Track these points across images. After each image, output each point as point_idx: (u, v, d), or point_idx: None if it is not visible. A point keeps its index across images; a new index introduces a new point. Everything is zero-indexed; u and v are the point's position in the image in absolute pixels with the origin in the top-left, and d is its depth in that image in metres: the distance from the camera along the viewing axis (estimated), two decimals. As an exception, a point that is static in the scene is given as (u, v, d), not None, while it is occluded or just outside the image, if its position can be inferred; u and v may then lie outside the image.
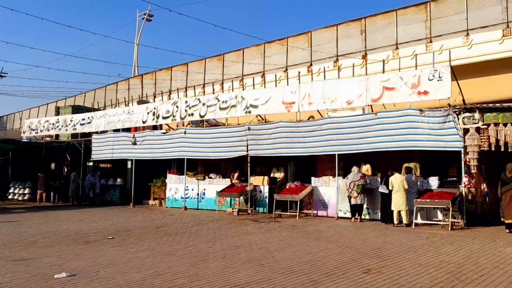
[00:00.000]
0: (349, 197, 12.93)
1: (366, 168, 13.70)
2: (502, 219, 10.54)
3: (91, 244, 9.24)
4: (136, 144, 19.04)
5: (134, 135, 19.31)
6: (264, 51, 19.92)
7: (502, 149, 10.73)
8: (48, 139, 24.29)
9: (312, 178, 14.72)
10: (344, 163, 14.27)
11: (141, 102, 21.41)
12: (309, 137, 14.13)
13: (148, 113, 19.16)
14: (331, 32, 17.85)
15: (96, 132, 20.98)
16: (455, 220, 11.14)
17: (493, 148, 10.87)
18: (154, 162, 18.93)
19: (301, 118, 14.98)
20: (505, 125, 10.73)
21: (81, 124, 21.63)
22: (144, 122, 19.42)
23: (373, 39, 16.61)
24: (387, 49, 16.00)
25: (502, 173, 10.64)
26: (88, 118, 21.46)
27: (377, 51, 16.19)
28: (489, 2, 14.24)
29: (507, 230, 10.27)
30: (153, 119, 18.95)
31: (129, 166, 20.50)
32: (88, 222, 13.23)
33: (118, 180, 20.74)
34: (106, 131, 20.60)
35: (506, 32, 13.64)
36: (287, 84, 16.10)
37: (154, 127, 20.28)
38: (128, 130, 20.24)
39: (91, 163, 21.96)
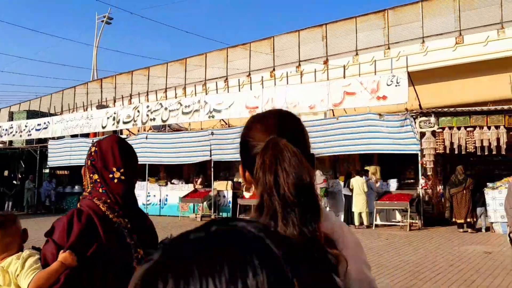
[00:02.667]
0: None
1: (374, 169, 13.58)
2: (453, 219, 10.94)
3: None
4: (95, 149, 18.49)
5: (93, 141, 18.73)
6: (227, 56, 19.91)
7: (456, 151, 11.18)
8: (1, 145, 23.18)
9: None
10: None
11: (100, 106, 20.86)
12: (272, 141, 14.18)
13: (108, 118, 18.68)
14: (294, 37, 18.07)
15: (53, 138, 20.21)
16: (413, 221, 11.48)
17: (447, 151, 11.31)
18: (115, 168, 18.41)
19: (264, 123, 15.03)
20: (458, 128, 11.19)
21: (37, 130, 20.79)
22: (104, 127, 18.91)
23: (334, 45, 16.94)
24: (347, 54, 16.35)
25: (453, 175, 11.09)
26: (44, 123, 20.65)
27: (338, 56, 16.51)
28: (443, 11, 14.85)
29: (460, 230, 10.69)
30: (113, 124, 18.48)
31: (88, 172, 19.82)
32: (43, 231, 12.67)
33: (76, 187, 20.03)
34: (63, 137, 19.88)
35: (459, 40, 14.26)
36: (250, 89, 16.13)
37: (115, 133, 19.78)
38: (87, 135, 19.63)
39: (47, 170, 21.12)
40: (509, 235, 5.59)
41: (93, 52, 31.41)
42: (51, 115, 21.96)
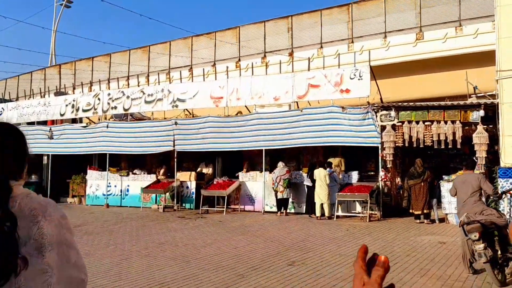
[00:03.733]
0: (275, 192, 13.16)
1: (339, 161, 13.68)
2: (411, 210, 11.34)
3: None
4: (52, 138, 17.85)
5: (50, 129, 18.08)
6: (192, 45, 19.60)
7: (415, 145, 11.55)
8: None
9: (240, 173, 14.78)
10: (271, 158, 14.51)
11: (58, 93, 20.08)
12: (237, 132, 14.17)
13: (66, 105, 18.04)
14: (259, 28, 18.01)
15: (7, 125, 19.29)
16: (373, 212, 11.80)
17: (406, 144, 11.66)
18: (74, 157, 17.88)
19: (229, 113, 14.97)
20: (417, 122, 11.54)
21: (-10, 116, 19.77)
22: (62, 115, 18.26)
23: (300, 37, 17.01)
24: (312, 47, 16.47)
25: (412, 167, 11.46)
26: (-2, 109, 19.69)
27: (303, 49, 16.60)
28: (404, 7, 15.20)
29: (417, 221, 11.09)
30: (72, 111, 17.88)
31: (45, 161, 19.16)
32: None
33: (33, 177, 19.27)
34: (19, 124, 19.03)
35: (419, 36, 14.65)
36: (215, 79, 15.99)
37: (74, 120, 19.16)
38: (44, 123, 18.90)
39: (1, 159, 20.16)
40: (461, 226, 5.84)
41: (51, 37, 30.11)
42: (5, 101, 20.95)
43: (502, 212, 7.93)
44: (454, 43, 14.01)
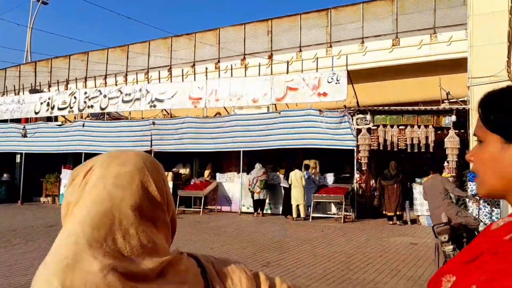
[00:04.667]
0: (252, 193, 13.21)
1: (314, 163, 13.80)
2: (384, 212, 11.58)
3: (-32, 246, 8.28)
4: (26, 136, 17.48)
5: (24, 127, 17.71)
6: (171, 45, 19.51)
7: (389, 148, 11.80)
8: None
9: (217, 174, 14.79)
10: (249, 160, 14.57)
11: (33, 91, 19.69)
12: (215, 133, 14.18)
13: (41, 103, 17.71)
14: (239, 30, 18.07)
15: (-21, 122, 18.81)
16: (347, 213, 11.99)
17: (381, 147, 11.90)
18: (48, 156, 17.53)
19: (208, 114, 14.96)
20: (392, 126, 11.81)
21: (-39, 113, 19.22)
22: (36, 113, 17.91)
23: (279, 41, 17.16)
24: (291, 50, 16.63)
25: (386, 170, 11.71)
26: (-31, 106, 19.15)
27: (282, 52, 16.75)
28: (381, 14, 15.52)
29: (390, 222, 11.33)
30: (48, 110, 17.56)
31: (18, 160, 18.73)
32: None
33: (5, 175, 18.82)
34: (-9, 122, 18.58)
35: (395, 42, 14.98)
36: (194, 80, 15.96)
37: (49, 119, 18.80)
38: (18, 121, 18.48)
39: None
40: (432, 228, 6.03)
41: (27, 33, 29.47)
42: (-23, 98, 20.38)
43: (471, 213, 8.20)
44: (428, 49, 14.39)
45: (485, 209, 8.80)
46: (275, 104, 13.93)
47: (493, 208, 8.81)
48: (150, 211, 0.85)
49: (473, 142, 9.43)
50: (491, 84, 9.45)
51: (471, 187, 8.98)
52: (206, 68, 16.17)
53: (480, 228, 8.26)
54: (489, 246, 0.73)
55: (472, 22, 11.26)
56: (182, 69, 16.99)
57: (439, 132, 11.59)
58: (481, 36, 11.00)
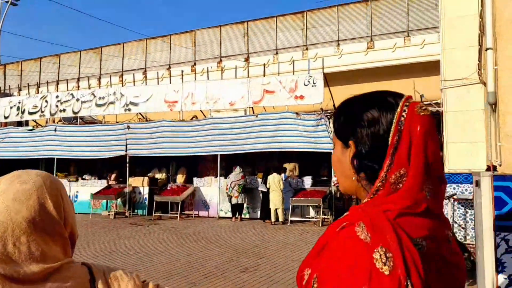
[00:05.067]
0: (230, 197, 13.08)
1: (293, 166, 13.78)
2: None
3: None
4: (-5, 142, 16.89)
5: (-7, 132, 17.10)
6: (146, 47, 19.23)
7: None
8: None
9: (194, 178, 14.61)
10: (226, 164, 14.45)
11: (3, 95, 19.06)
12: (192, 137, 14.01)
13: (11, 107, 17.15)
14: (215, 33, 17.96)
15: None
16: (325, 217, 12.01)
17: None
18: (18, 162, 16.98)
19: (184, 118, 14.77)
20: (368, 129, 11.88)
21: None
22: (6, 118, 17.34)
23: (255, 43, 17.12)
24: (268, 53, 16.62)
25: None
26: None
27: (258, 54, 16.72)
28: (356, 17, 15.68)
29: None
30: (18, 114, 17.02)
31: (-14, 166, 18.08)
32: None
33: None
34: (-42, 127, 17.88)
35: (370, 45, 15.16)
36: (170, 83, 15.74)
37: (19, 123, 18.22)
38: (-15, 126, 17.86)
39: None
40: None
41: (-5, 35, 28.52)
42: None
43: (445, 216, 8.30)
44: (402, 52, 14.61)
45: (459, 210, 8.93)
46: (252, 107, 13.87)
47: (467, 210, 8.95)
48: (45, 224, 0.99)
49: (447, 144, 9.58)
50: (464, 87, 9.65)
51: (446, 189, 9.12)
52: (182, 71, 15.98)
53: (455, 230, 8.38)
54: (327, 239, 0.88)
55: (444, 25, 11.43)
56: (158, 72, 16.74)
57: (414, 134, 11.74)
58: (453, 39, 11.19)
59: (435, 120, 1.00)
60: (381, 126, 0.94)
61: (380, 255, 0.83)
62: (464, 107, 9.63)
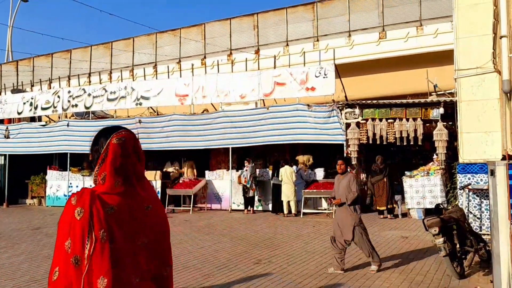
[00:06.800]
0: (247, 190, 12.91)
1: (307, 159, 13.73)
2: (375, 207, 11.59)
3: (-49, 253, 8.04)
4: (9, 137, 17.11)
5: (7, 128, 17.33)
6: (156, 41, 19.24)
7: (378, 142, 11.78)
8: None
9: (206, 171, 14.65)
10: (238, 156, 14.45)
11: (16, 91, 19.28)
12: (203, 130, 14.02)
13: (24, 103, 17.34)
14: (225, 25, 17.88)
15: (-40, 124, 18.36)
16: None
17: (370, 141, 11.88)
18: (33, 157, 17.20)
19: (195, 111, 14.79)
20: (380, 120, 11.78)
21: None
22: (19, 113, 17.55)
23: (265, 35, 17.02)
24: (278, 45, 16.51)
25: (373, 164, 11.70)
26: (-50, 107, 18.68)
27: (268, 47, 16.62)
28: (367, 7, 15.47)
29: (380, 216, 11.34)
30: (31, 110, 17.21)
31: (1, 162, 18.34)
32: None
33: (-11, 177, 18.44)
34: (-27, 123, 18.14)
35: (382, 35, 14.96)
36: (180, 76, 15.75)
37: (32, 119, 18.42)
38: (0, 121, 18.09)
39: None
40: (423, 221, 5.99)
41: (7, 32, 28.82)
42: (-43, 99, 19.88)
43: (460, 206, 8.21)
44: (415, 42, 14.39)
45: (474, 200, 8.82)
46: (263, 100, 13.82)
47: (482, 200, 8.84)
48: None
49: (461, 134, 9.44)
50: (478, 76, 9.48)
51: (460, 179, 8.98)
52: (192, 65, 15.97)
53: (470, 220, 8.28)
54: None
55: (457, 13, 11.23)
56: (168, 66, 16.75)
57: (427, 124, 11.59)
58: (466, 28, 10.99)
59: (131, 142, 1.84)
60: (100, 147, 1.80)
61: (78, 211, 1.63)
62: (479, 96, 9.47)
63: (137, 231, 1.74)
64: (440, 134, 11.12)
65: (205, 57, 17.88)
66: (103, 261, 1.59)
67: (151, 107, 15.82)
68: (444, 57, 12.77)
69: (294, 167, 12.50)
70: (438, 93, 12.62)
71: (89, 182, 15.93)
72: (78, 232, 1.60)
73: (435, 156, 11.38)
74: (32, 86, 20.26)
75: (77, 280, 1.58)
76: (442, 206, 6.66)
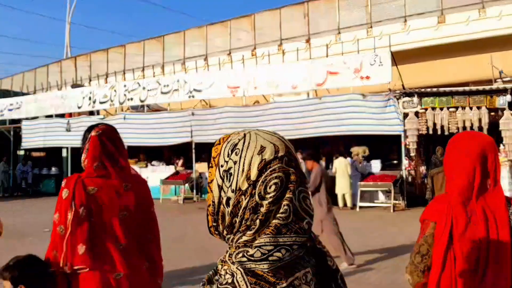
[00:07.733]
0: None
1: (363, 150, 13.52)
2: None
3: (26, 238, 8.56)
4: (70, 130, 17.96)
5: (68, 121, 18.20)
6: (207, 34, 19.39)
7: (439, 132, 11.26)
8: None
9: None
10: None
11: (75, 86, 20.17)
12: (255, 122, 14.02)
13: (83, 97, 18.10)
14: (275, 15, 17.69)
15: (27, 119, 19.50)
16: (397, 202, 11.59)
17: (430, 132, 11.38)
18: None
19: (247, 103, 14.81)
20: (441, 109, 11.24)
21: (9, 110, 20.02)
22: (79, 108, 18.35)
23: (316, 24, 16.66)
24: (330, 33, 16.12)
25: (433, 156, 11.20)
26: (17, 103, 19.89)
27: (320, 35, 16.27)
28: (424, -10, 14.73)
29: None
30: (89, 104, 17.94)
31: (64, 154, 19.34)
32: (22, 214, 12.30)
33: (53, 169, 19.51)
34: (37, 117, 19.21)
35: (441, 19, 14.20)
36: (231, 68, 15.81)
37: (91, 113, 19.23)
38: (62, 116, 19.03)
39: (22, 152, 20.45)
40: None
41: (65, 28, 30.22)
42: (23, 94, 21.15)
43: None
44: (477, 26, 13.55)
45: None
46: (315, 90, 13.59)
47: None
48: None
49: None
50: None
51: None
52: (243, 56, 15.97)
53: None
54: None
55: (527, -7, 10.46)
56: (219, 58, 16.86)
57: (492, 113, 10.94)
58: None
59: (108, 133, 2.26)
60: (86, 140, 2.24)
61: (65, 192, 2.13)
62: (554, 83, 8.79)
63: (116, 206, 2.19)
64: (507, 123, 10.47)
65: (255, 48, 17.81)
66: (82, 232, 2.10)
67: (203, 100, 16.02)
68: (510, 41, 11.98)
69: (349, 158, 12.23)
70: (504, 79, 11.86)
71: (146, 174, 16.46)
72: (63, 208, 2.12)
73: (501, 147, 10.72)
74: (90, 80, 21.12)
75: (61, 244, 2.09)
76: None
